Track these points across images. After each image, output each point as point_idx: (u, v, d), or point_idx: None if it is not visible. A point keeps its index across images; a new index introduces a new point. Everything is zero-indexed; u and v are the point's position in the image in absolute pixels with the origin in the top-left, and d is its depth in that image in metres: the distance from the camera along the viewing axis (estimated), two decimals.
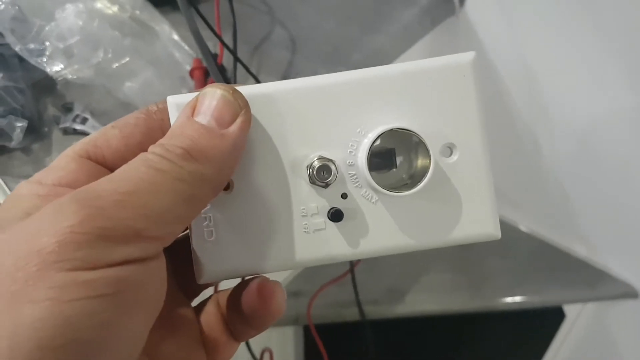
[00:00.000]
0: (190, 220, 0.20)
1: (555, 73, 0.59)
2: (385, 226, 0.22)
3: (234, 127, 0.20)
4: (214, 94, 0.20)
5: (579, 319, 0.75)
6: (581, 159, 0.64)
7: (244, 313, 0.23)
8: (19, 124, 0.40)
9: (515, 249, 0.74)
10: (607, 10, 0.52)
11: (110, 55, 0.44)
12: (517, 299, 0.69)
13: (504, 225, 0.76)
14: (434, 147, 0.21)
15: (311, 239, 0.22)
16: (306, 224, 0.22)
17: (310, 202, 0.22)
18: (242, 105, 0.20)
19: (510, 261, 0.73)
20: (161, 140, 0.19)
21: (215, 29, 0.53)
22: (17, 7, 0.44)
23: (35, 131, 0.44)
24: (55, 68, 0.42)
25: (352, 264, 0.62)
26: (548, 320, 0.75)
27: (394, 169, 0.23)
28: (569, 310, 0.75)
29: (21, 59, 0.44)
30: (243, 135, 0.20)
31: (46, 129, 0.45)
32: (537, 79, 0.61)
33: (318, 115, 0.22)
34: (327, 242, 0.22)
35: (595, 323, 0.75)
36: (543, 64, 0.60)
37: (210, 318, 0.24)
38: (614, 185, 0.63)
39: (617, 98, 0.56)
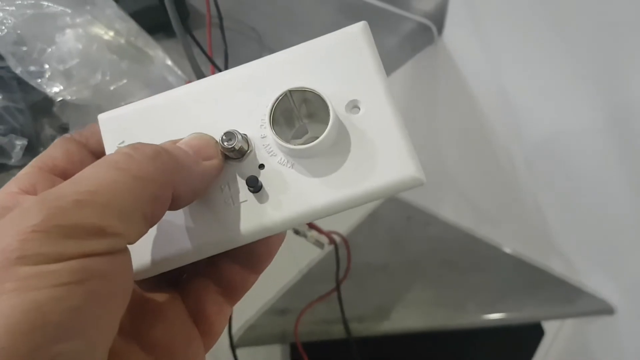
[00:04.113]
0: (157, 219, 0.20)
1: (530, 95, 0.63)
2: (305, 188, 0.23)
3: (208, 163, 0.22)
4: (197, 135, 0.22)
5: (558, 335, 0.77)
6: (556, 178, 0.67)
7: (240, 257, 0.24)
8: (19, 142, 0.42)
9: (496, 266, 0.77)
10: (578, 34, 0.56)
11: (108, 78, 0.46)
12: (498, 315, 0.71)
13: (484, 244, 0.79)
14: (337, 105, 0.22)
15: (237, 213, 0.23)
16: (228, 199, 0.23)
17: (229, 178, 0.23)
18: (218, 152, 0.23)
19: (491, 278, 0.75)
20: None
21: (208, 54, 0.56)
22: (18, 32, 0.46)
23: (33, 150, 0.46)
24: (54, 89, 0.44)
25: (338, 282, 0.63)
26: (528, 337, 0.77)
27: (300, 125, 0.25)
28: (548, 326, 0.77)
29: (20, 81, 0.46)
30: (214, 173, 0.22)
31: (42, 149, 0.47)
32: (512, 101, 0.64)
33: (228, 100, 0.24)
34: (253, 213, 0.23)
35: (574, 339, 0.77)
36: (518, 88, 0.64)
37: (196, 292, 0.24)
38: (588, 204, 0.67)
39: (591, 119, 0.60)
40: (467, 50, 0.66)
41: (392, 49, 0.67)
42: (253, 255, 0.25)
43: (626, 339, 0.71)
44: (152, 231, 0.23)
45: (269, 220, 0.23)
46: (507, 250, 0.78)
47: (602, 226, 0.67)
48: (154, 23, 0.61)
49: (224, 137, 0.22)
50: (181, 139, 0.22)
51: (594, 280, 0.72)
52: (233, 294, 0.25)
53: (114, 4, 0.58)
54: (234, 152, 0.22)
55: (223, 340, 0.60)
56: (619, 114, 0.57)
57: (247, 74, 0.24)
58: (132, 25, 0.57)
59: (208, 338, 0.24)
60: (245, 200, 0.23)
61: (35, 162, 0.23)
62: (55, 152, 0.23)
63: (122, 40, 0.53)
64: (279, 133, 0.22)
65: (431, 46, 0.68)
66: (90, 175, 0.18)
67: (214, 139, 0.23)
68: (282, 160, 0.23)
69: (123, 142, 0.24)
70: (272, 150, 0.23)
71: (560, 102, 0.61)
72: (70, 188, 0.18)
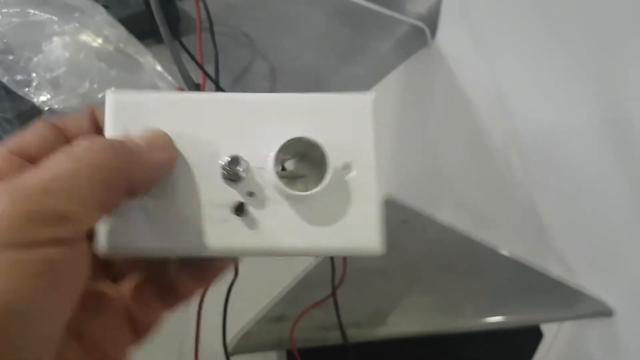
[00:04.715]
0: (111, 206, 0.21)
1: (526, 97, 0.62)
2: (282, 227, 0.25)
3: (159, 155, 0.23)
4: (151, 130, 0.24)
5: (556, 338, 0.77)
6: (554, 180, 0.67)
7: (190, 266, 0.26)
8: None
9: (493, 269, 0.76)
10: (574, 34, 0.55)
11: (96, 86, 0.45)
12: (496, 319, 0.70)
13: (482, 247, 0.78)
14: (334, 161, 0.24)
15: (216, 229, 0.24)
16: (213, 214, 0.24)
17: (219, 195, 0.25)
18: (171, 146, 0.24)
19: (488, 281, 0.75)
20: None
21: (198, 60, 0.55)
22: (4, 41, 0.45)
23: None
24: (42, 98, 0.44)
25: (334, 287, 0.63)
26: (527, 340, 0.77)
27: (298, 176, 0.27)
28: (547, 329, 0.76)
29: (8, 90, 0.45)
30: (165, 164, 0.24)
31: None
32: (508, 102, 0.64)
33: (238, 124, 0.25)
34: (229, 233, 0.24)
35: (573, 342, 0.77)
36: (514, 89, 0.63)
37: (137, 292, 0.25)
38: (586, 206, 0.66)
39: (589, 120, 0.59)
40: (461, 52, 0.66)
41: (385, 52, 0.66)
42: (205, 267, 0.26)
43: (625, 341, 0.71)
44: (135, 218, 0.24)
45: (241, 243, 0.24)
46: (505, 252, 0.77)
47: (600, 228, 0.67)
48: (144, 29, 0.61)
49: (229, 159, 0.24)
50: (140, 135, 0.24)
51: (592, 282, 0.71)
52: (173, 300, 0.26)
53: (103, 10, 0.57)
54: (233, 174, 0.24)
55: (217, 348, 0.59)
56: (617, 114, 0.57)
57: (267, 102, 0.26)
58: (122, 31, 0.56)
59: (139, 338, 0.25)
60: (227, 221, 0.24)
61: (7, 144, 0.23)
62: (29, 136, 0.24)
63: (111, 47, 0.53)
64: (278, 172, 0.24)
65: (425, 49, 0.67)
66: (52, 165, 0.20)
67: (167, 134, 0.24)
68: (271, 194, 0.25)
69: (129, 129, 0.25)
70: (265, 182, 0.25)
71: (557, 103, 0.61)
72: (34, 176, 0.19)
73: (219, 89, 0.53)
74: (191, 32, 0.64)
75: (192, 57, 0.49)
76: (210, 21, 0.62)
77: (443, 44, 0.67)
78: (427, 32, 0.67)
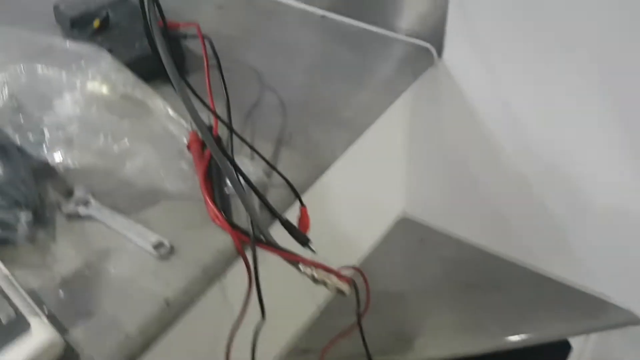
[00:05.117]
0: None
1: (539, 114, 0.62)
2: None
3: None
4: None
5: (585, 349, 0.76)
6: (571, 193, 0.66)
7: None
8: (24, 217, 0.41)
9: (516, 284, 0.75)
10: (587, 52, 0.54)
11: (109, 139, 0.45)
12: (523, 336, 0.69)
13: (502, 261, 0.78)
14: None
15: None
16: None
17: None
18: None
19: (511, 297, 0.74)
20: None
21: (208, 100, 0.54)
22: (15, 100, 0.45)
23: (39, 219, 0.44)
24: (55, 155, 0.43)
25: (359, 317, 0.62)
26: (555, 353, 0.76)
27: None
28: (575, 341, 0.75)
29: (21, 150, 0.45)
30: None
31: (49, 216, 0.46)
32: (520, 120, 0.63)
33: None
34: None
35: (602, 352, 0.76)
36: (525, 106, 0.62)
37: None
38: (606, 214, 0.65)
39: (604, 134, 0.59)
40: (469, 70, 0.65)
41: (391, 75, 0.65)
42: None
43: None
44: None
45: None
46: (526, 266, 0.76)
47: (621, 234, 0.66)
48: (151, 69, 0.60)
49: None
50: None
51: (618, 292, 0.70)
52: None
53: (108, 55, 0.57)
54: None
55: None
56: (634, 128, 0.56)
57: None
58: (129, 75, 0.56)
59: None
60: None
61: None
62: None
63: (120, 94, 0.52)
64: None
65: (432, 69, 0.66)
66: None
67: None
68: None
69: None
70: None
71: (570, 120, 0.60)
72: None
73: (231, 131, 0.52)
74: (197, 68, 0.63)
75: (204, 104, 0.48)
76: (216, 57, 0.61)
77: (450, 62, 0.66)
78: (433, 51, 0.67)
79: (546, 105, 0.60)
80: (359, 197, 0.72)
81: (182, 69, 0.63)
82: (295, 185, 0.50)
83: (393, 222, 0.83)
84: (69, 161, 0.44)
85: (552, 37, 0.56)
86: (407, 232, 0.82)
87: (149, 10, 0.49)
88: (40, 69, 0.46)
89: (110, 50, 0.60)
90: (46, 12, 0.71)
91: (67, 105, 0.43)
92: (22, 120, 0.43)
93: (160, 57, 0.51)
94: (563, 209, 0.68)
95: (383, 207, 0.82)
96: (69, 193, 0.47)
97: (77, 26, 0.66)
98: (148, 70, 0.59)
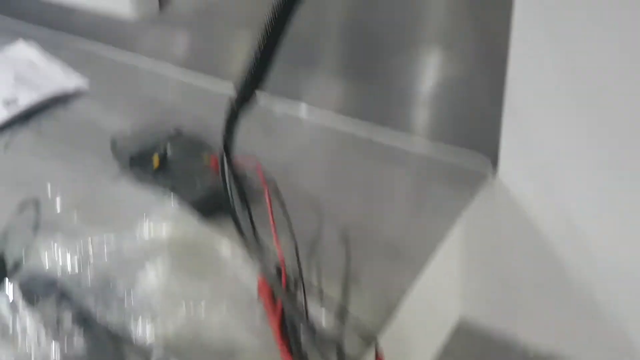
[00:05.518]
0: None
1: (608, 234, 0.60)
2: None
3: None
4: None
5: None
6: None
7: None
8: None
9: None
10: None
11: (191, 305, 0.45)
12: None
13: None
14: None
15: None
16: None
17: None
18: None
19: None
20: None
21: (278, 253, 0.53)
22: (95, 269, 0.46)
23: None
24: (139, 330, 0.43)
25: None
26: None
27: None
28: None
29: (102, 321, 0.45)
30: None
31: None
32: (585, 239, 0.62)
33: None
34: None
35: None
36: (591, 224, 0.61)
37: None
38: None
39: None
40: (526, 183, 0.64)
41: (447, 194, 0.64)
42: None
43: None
44: None
45: None
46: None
47: None
48: (212, 208, 0.60)
49: None
50: None
51: None
52: None
53: (172, 199, 0.58)
54: None
55: None
56: None
57: None
58: (195, 222, 0.57)
59: None
60: None
61: None
62: None
63: (190, 245, 0.53)
64: None
65: (488, 186, 0.66)
66: None
67: None
68: None
69: None
70: None
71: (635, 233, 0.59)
72: None
73: (301, 278, 0.52)
74: (254, 201, 0.62)
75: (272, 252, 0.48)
76: (278, 192, 0.61)
77: (506, 177, 0.66)
78: (489, 165, 0.66)
79: (616, 225, 0.59)
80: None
81: (245, 207, 0.63)
82: (368, 330, 0.48)
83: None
84: (151, 332, 0.44)
85: (627, 147, 0.55)
86: (466, 344, 0.79)
87: (226, 163, 0.50)
88: (123, 239, 0.47)
89: (173, 189, 0.61)
90: (101, 144, 0.71)
91: (150, 278, 0.44)
92: (108, 297, 0.43)
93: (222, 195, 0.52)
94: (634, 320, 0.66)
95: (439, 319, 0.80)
96: None
97: (137, 164, 0.67)
98: (209, 209, 0.60)
